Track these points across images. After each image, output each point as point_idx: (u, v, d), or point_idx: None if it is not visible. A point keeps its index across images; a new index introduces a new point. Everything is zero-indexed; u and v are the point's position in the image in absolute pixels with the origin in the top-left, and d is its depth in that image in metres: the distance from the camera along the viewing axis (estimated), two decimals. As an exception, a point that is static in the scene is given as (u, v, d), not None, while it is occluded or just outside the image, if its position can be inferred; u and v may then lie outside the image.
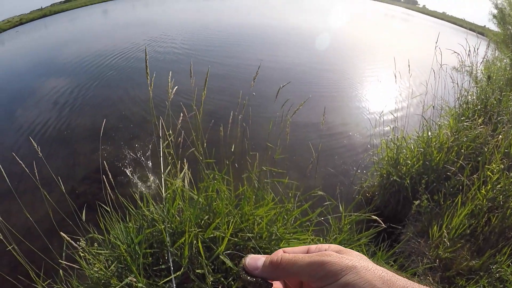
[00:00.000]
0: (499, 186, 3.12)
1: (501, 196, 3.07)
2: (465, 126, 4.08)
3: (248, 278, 0.53)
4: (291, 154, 4.16)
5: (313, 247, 0.55)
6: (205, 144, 2.58)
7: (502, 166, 3.23)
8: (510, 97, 4.80)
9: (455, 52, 4.77)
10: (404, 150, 3.96)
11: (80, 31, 23.33)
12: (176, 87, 2.44)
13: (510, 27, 11.67)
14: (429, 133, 4.01)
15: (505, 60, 8.12)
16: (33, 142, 2.06)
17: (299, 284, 0.58)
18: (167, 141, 2.48)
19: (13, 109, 7.78)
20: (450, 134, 3.79)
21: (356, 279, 0.43)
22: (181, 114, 2.51)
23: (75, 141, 5.91)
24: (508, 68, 7.10)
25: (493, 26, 13.24)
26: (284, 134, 2.72)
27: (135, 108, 6.79)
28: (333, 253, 0.48)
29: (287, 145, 2.85)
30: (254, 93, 2.96)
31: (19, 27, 40.17)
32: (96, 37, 17.39)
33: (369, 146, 4.73)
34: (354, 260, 0.46)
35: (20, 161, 2.00)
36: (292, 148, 3.72)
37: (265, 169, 2.66)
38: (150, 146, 5.29)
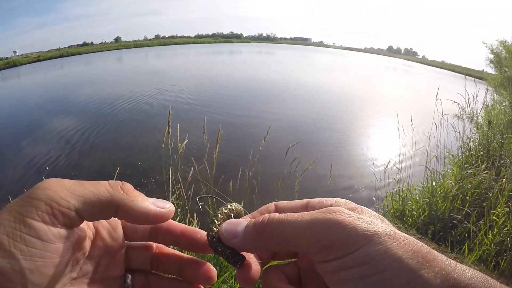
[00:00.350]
0: (506, 229, 3.12)
1: (508, 239, 3.06)
2: (468, 173, 4.13)
3: (218, 248, 0.40)
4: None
5: (314, 200, 0.43)
6: (214, 199, 2.67)
7: (508, 209, 3.25)
8: None
9: (455, 102, 4.98)
10: (410, 202, 3.99)
11: (93, 74, 24.89)
12: (186, 140, 2.61)
13: (506, 69, 11.97)
14: (434, 183, 4.06)
15: (504, 104, 8.28)
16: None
17: (293, 257, 0.45)
18: (178, 192, 2.57)
19: (21, 142, 8.02)
20: (454, 183, 3.85)
21: (380, 252, 0.31)
22: (192, 168, 2.64)
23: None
24: (508, 111, 7.28)
25: (490, 70, 13.63)
26: (291, 190, 2.83)
27: (143, 156, 6.90)
28: (345, 210, 0.35)
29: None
30: (260, 148, 3.10)
31: (37, 63, 43.08)
32: (108, 82, 18.44)
33: (374, 199, 4.78)
34: (376, 222, 0.34)
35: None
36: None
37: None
38: (158, 196, 5.33)
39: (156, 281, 0.44)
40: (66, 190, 0.33)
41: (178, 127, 2.63)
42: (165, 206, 0.40)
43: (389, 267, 0.31)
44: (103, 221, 0.41)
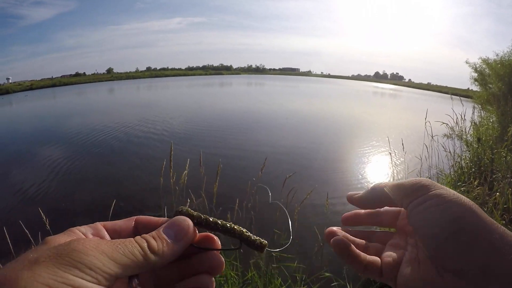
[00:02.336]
0: (504, 241, 3.12)
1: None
2: (462, 191, 4.16)
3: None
4: (296, 238, 4.19)
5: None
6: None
7: (504, 222, 3.28)
8: (502, 153, 4.92)
9: (443, 123, 5.09)
10: (407, 224, 3.97)
11: (83, 105, 25.22)
12: (172, 171, 2.65)
13: (491, 86, 12.18)
14: (429, 204, 4.06)
15: (491, 119, 8.43)
16: (42, 214, 2.17)
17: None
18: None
19: (9, 171, 7.93)
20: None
21: (448, 193, 0.43)
22: (188, 200, 2.67)
23: (72, 215, 5.68)
24: (496, 126, 7.39)
25: (475, 88, 13.88)
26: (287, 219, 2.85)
27: (135, 188, 6.76)
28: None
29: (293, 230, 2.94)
30: (254, 179, 3.15)
31: (29, 91, 43.60)
32: (98, 112, 18.69)
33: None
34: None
35: (26, 230, 2.13)
36: (298, 232, 3.76)
37: (274, 254, 2.74)
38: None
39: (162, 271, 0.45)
40: (108, 257, 0.34)
41: (171, 158, 2.67)
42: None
43: (454, 202, 0.42)
44: (89, 229, 0.44)
